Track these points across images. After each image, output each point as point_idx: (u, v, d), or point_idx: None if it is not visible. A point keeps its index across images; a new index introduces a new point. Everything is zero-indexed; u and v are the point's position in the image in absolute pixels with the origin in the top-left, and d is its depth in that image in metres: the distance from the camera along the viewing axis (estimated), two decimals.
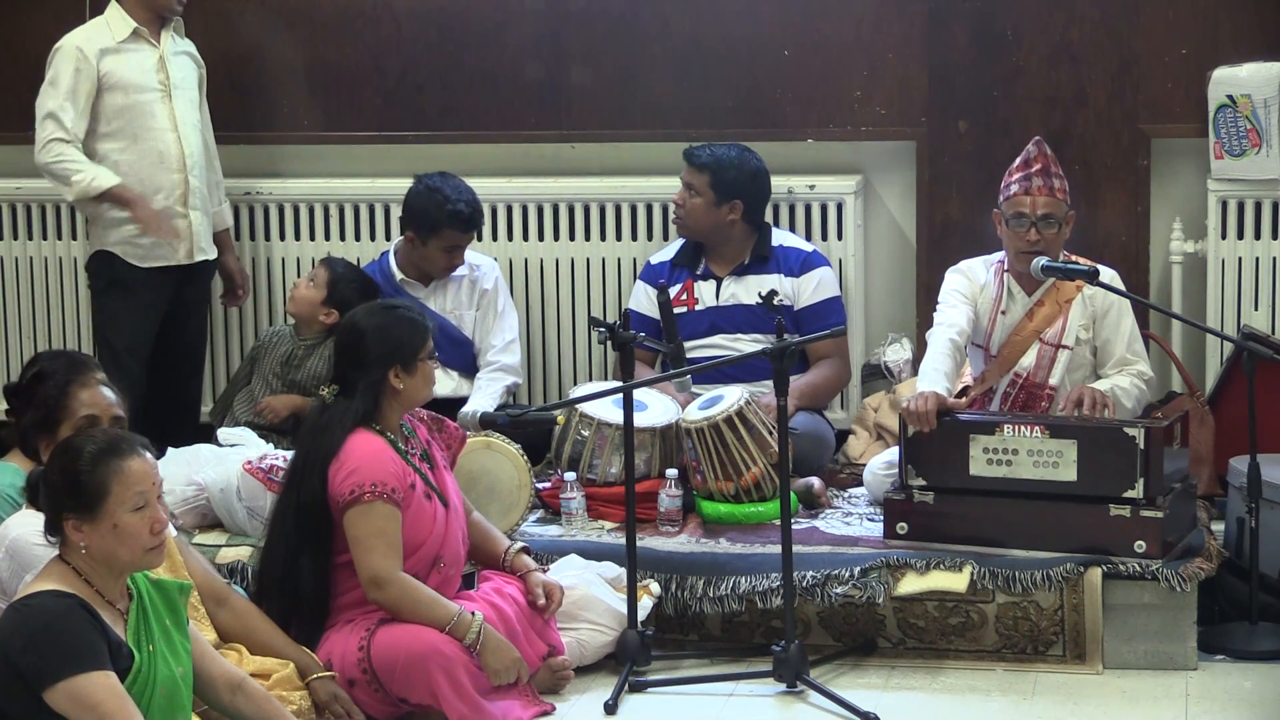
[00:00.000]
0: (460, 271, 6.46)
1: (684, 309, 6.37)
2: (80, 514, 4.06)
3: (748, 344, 6.25)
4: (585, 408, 5.95)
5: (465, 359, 6.46)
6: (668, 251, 6.54)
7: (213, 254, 6.52)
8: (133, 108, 6.31)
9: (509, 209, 6.74)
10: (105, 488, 4.05)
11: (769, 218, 6.51)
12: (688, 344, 6.31)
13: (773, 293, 6.35)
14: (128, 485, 4.06)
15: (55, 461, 4.14)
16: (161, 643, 4.14)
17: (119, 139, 6.31)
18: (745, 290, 6.38)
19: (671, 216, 6.47)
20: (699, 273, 6.43)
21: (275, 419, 6.25)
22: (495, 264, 6.56)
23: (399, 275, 6.47)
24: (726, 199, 6.32)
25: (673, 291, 6.35)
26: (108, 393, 4.76)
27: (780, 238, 6.45)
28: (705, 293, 6.41)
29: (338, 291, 6.30)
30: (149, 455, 4.13)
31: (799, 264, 6.39)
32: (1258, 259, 6.40)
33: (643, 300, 6.44)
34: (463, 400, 6.12)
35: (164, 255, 6.36)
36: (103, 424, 4.57)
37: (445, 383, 6.30)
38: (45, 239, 6.91)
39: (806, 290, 6.36)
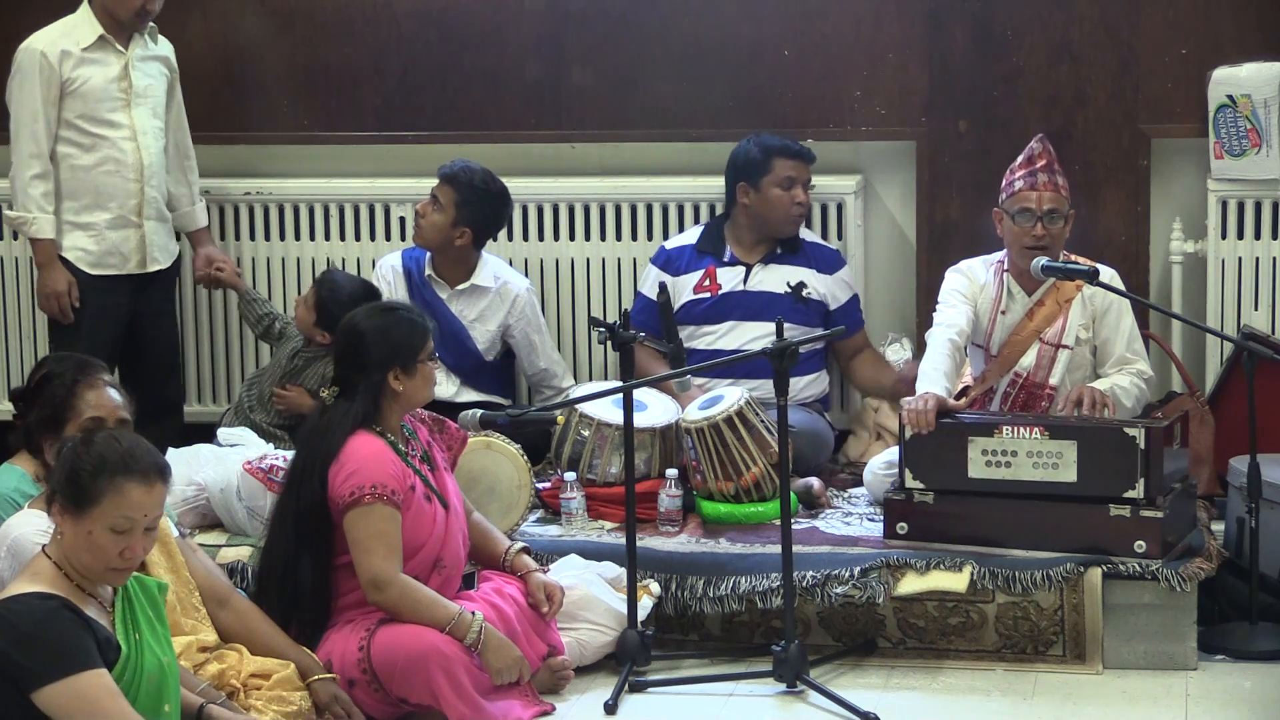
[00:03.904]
0: (488, 283, 6.46)
1: (706, 295, 6.40)
2: (66, 506, 4.06)
3: (767, 329, 6.25)
4: (585, 408, 5.95)
5: (469, 366, 6.46)
6: (688, 236, 6.53)
7: (167, 262, 6.50)
8: (92, 115, 6.28)
9: None
10: (98, 498, 4.04)
11: None
12: (705, 332, 6.37)
13: (801, 284, 6.37)
14: (118, 507, 4.04)
15: (75, 448, 4.12)
16: (146, 633, 4.15)
17: (76, 145, 6.29)
18: (773, 278, 6.40)
19: (793, 217, 6.38)
20: (725, 260, 6.44)
21: (289, 411, 6.24)
22: (528, 283, 6.58)
23: (428, 270, 6.48)
24: (732, 193, 6.41)
25: (694, 278, 6.43)
26: (114, 394, 4.77)
27: (805, 233, 6.50)
28: (729, 278, 6.41)
29: (327, 313, 6.21)
30: (159, 485, 4.09)
31: (831, 261, 6.46)
32: (1258, 259, 6.40)
33: (651, 284, 6.43)
34: (462, 405, 6.10)
35: (115, 264, 6.36)
36: (108, 425, 4.56)
37: (446, 387, 6.31)
38: None
39: (840, 289, 6.45)
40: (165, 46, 6.51)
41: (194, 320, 6.98)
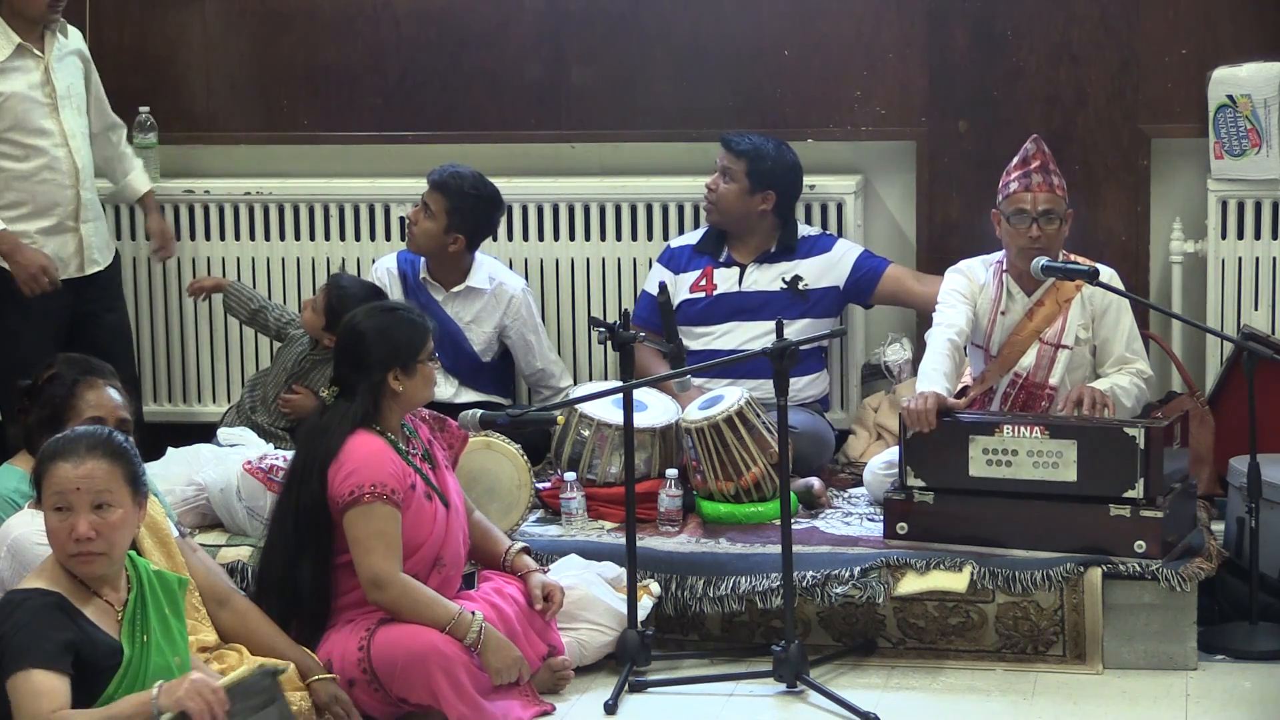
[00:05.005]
0: (483, 285, 6.46)
1: (702, 295, 6.41)
2: (34, 501, 4.19)
3: (765, 328, 6.23)
4: (585, 408, 5.95)
5: (466, 368, 6.46)
6: (691, 237, 6.56)
7: (106, 263, 6.42)
8: (20, 126, 6.18)
9: (509, 209, 6.73)
10: (40, 482, 4.12)
11: None
12: (703, 331, 6.36)
13: (797, 278, 6.37)
14: (50, 486, 4.09)
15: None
16: (159, 632, 4.14)
17: (11, 157, 6.18)
18: (768, 277, 6.41)
19: (703, 202, 6.48)
20: (721, 260, 6.45)
21: (294, 415, 6.23)
22: (523, 283, 6.57)
23: (423, 273, 6.48)
24: (760, 189, 6.35)
25: (691, 277, 6.44)
26: (114, 394, 4.78)
27: (803, 230, 6.50)
28: (724, 279, 6.42)
29: (336, 317, 6.23)
30: (90, 462, 4.08)
31: (823, 242, 6.45)
32: (1258, 259, 6.40)
33: (654, 283, 6.44)
34: (462, 405, 6.10)
35: None
36: (108, 425, 4.56)
37: (445, 388, 6.30)
38: None
39: (845, 257, 6.42)
40: (75, 38, 6.39)
41: (194, 320, 6.98)
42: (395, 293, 6.45)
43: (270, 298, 6.86)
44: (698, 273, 6.46)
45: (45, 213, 6.24)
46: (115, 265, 6.56)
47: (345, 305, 6.20)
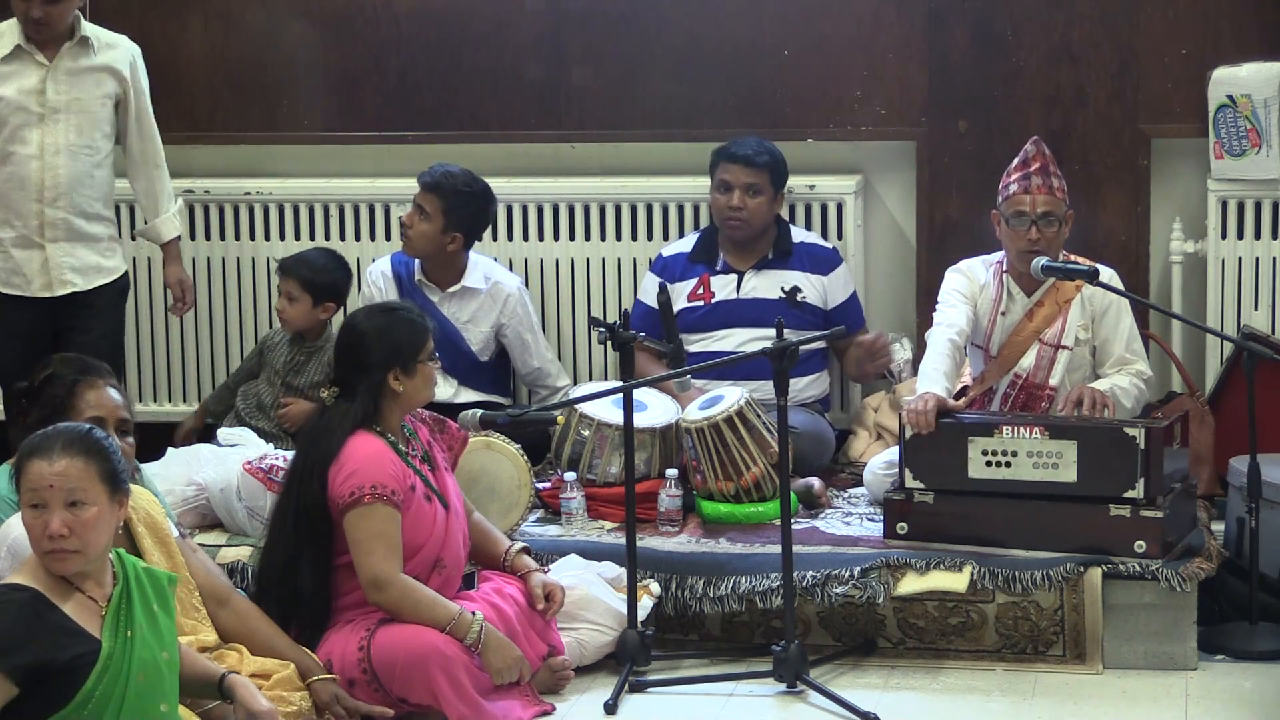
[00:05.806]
0: (478, 284, 6.45)
1: (700, 303, 6.40)
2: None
3: (763, 334, 6.24)
4: (585, 408, 5.95)
5: (464, 368, 6.45)
6: (684, 244, 6.54)
7: (86, 285, 6.06)
8: (2, 131, 5.96)
9: (509, 209, 6.75)
10: (18, 479, 4.11)
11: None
12: (700, 337, 6.36)
13: (795, 289, 6.36)
14: (26, 483, 4.08)
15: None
16: (145, 627, 4.12)
17: None
18: (766, 284, 6.39)
19: (726, 221, 6.39)
20: (717, 268, 6.44)
21: (293, 427, 6.22)
22: (519, 282, 6.57)
23: (418, 275, 6.47)
24: (778, 192, 6.38)
25: (688, 286, 6.42)
26: (114, 394, 4.78)
27: (798, 234, 6.48)
28: (722, 286, 6.41)
29: (317, 289, 6.26)
30: (63, 460, 4.06)
31: (826, 261, 6.44)
32: (1258, 259, 6.41)
33: (650, 292, 6.43)
34: (461, 405, 6.09)
35: (17, 285, 6.01)
36: (108, 425, 4.57)
37: (444, 388, 6.30)
38: None
39: (837, 289, 6.43)
40: (113, 54, 6.04)
41: (193, 320, 6.97)
42: (391, 295, 6.43)
43: (270, 298, 6.86)
44: (694, 281, 6.44)
45: (9, 223, 6.00)
46: (103, 290, 6.11)
47: (318, 271, 6.29)
